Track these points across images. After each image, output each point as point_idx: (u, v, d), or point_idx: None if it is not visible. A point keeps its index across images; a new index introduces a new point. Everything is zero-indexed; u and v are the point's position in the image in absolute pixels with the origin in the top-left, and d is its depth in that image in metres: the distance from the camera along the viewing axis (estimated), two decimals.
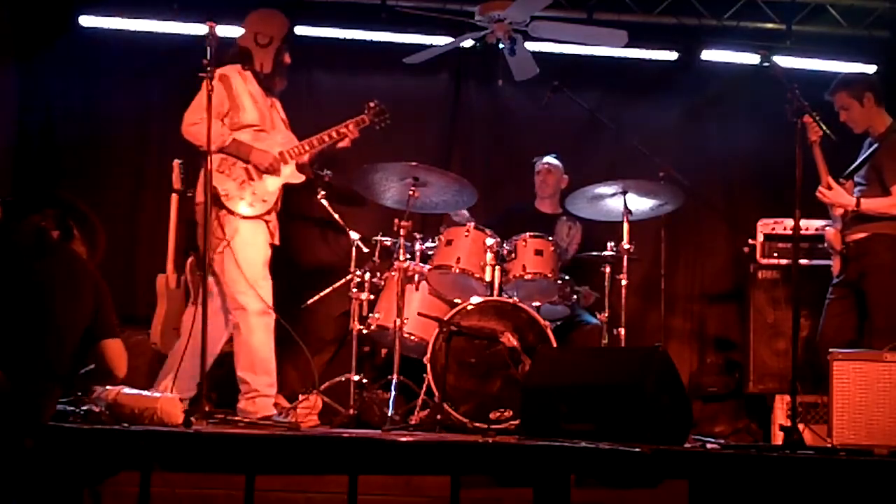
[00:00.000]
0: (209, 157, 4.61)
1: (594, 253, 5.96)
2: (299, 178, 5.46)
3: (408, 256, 5.71)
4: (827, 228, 5.52)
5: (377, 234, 5.97)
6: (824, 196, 5.31)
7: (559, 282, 5.73)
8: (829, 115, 5.25)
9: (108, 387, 4.10)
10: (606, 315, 5.77)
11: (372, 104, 5.65)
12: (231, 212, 5.16)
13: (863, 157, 5.37)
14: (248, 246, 5.18)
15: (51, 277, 3.48)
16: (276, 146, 5.35)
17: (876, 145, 5.34)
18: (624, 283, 5.69)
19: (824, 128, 5.05)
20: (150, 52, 6.77)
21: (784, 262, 6.33)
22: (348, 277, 6.02)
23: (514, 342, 5.30)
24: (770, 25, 7.08)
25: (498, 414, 5.22)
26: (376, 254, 5.96)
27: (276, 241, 5.38)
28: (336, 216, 6.05)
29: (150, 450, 3.46)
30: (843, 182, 5.35)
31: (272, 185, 5.31)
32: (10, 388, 3.27)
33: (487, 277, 5.65)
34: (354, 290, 5.90)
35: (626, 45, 6.20)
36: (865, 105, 5.39)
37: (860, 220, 5.31)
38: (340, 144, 5.55)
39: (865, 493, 3.68)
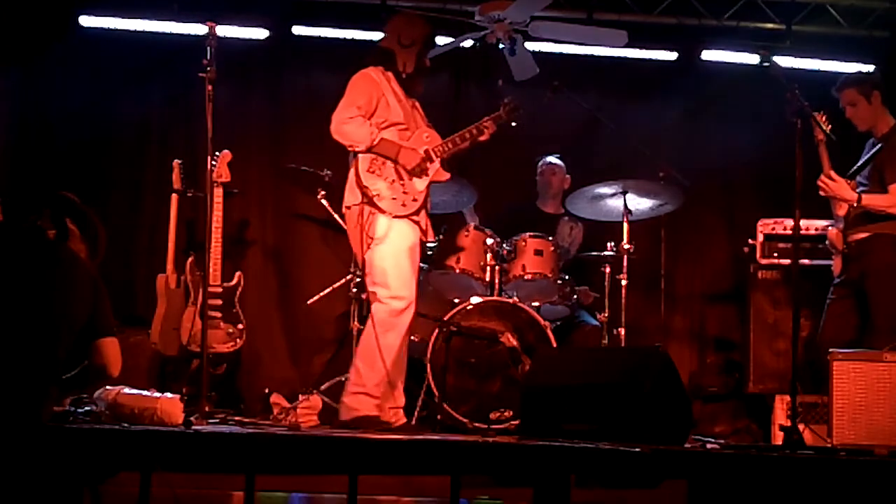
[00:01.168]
0: (209, 157, 4.59)
1: (594, 253, 5.96)
2: (444, 177, 5.31)
3: None
4: (829, 228, 5.52)
5: None
6: (826, 185, 5.26)
7: (559, 282, 5.73)
8: (829, 115, 5.24)
9: (108, 387, 4.09)
10: (606, 315, 5.77)
11: (507, 101, 5.47)
12: (382, 211, 5.06)
13: (866, 157, 5.37)
14: (397, 246, 5.07)
15: (48, 277, 3.47)
16: (422, 144, 5.24)
17: (879, 145, 5.34)
18: (624, 283, 5.69)
19: (826, 130, 5.04)
20: (150, 52, 6.77)
21: (784, 262, 6.33)
22: (348, 277, 6.02)
23: (514, 342, 5.30)
24: (770, 25, 7.08)
25: (498, 414, 5.21)
26: None
27: (428, 238, 5.28)
28: (336, 216, 6.04)
29: (150, 450, 3.45)
30: (848, 182, 5.34)
31: (420, 183, 5.19)
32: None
33: (487, 277, 5.65)
34: (354, 290, 5.90)
35: (626, 45, 6.21)
36: (873, 103, 5.39)
37: (862, 220, 5.31)
38: (480, 138, 5.41)
39: (865, 493, 3.68)
